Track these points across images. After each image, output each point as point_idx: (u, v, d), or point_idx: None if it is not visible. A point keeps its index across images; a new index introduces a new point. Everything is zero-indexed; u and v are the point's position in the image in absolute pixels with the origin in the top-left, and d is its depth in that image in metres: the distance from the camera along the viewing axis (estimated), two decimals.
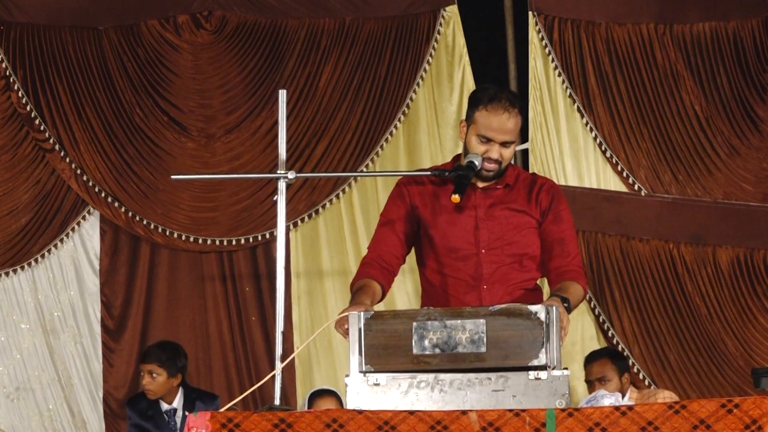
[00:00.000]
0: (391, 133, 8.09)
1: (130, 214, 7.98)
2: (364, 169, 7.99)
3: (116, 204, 7.97)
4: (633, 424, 3.46)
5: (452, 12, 8.13)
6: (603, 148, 7.99)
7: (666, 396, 6.70)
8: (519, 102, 4.56)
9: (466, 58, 8.08)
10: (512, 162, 4.66)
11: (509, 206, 4.56)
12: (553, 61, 8.04)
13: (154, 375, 6.86)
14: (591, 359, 6.95)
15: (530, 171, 7.81)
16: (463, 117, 4.59)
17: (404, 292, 7.90)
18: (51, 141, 7.96)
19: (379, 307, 4.83)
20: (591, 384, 6.84)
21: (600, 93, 8.01)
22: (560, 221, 4.57)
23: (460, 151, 4.63)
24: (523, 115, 8.09)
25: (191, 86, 8.10)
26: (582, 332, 7.90)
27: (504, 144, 4.50)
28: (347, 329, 3.93)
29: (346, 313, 4.00)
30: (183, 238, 8.01)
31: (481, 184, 4.57)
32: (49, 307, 8.03)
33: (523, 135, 8.06)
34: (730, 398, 3.48)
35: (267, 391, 4.74)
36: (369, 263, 4.55)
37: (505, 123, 4.49)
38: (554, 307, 3.73)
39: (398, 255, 4.59)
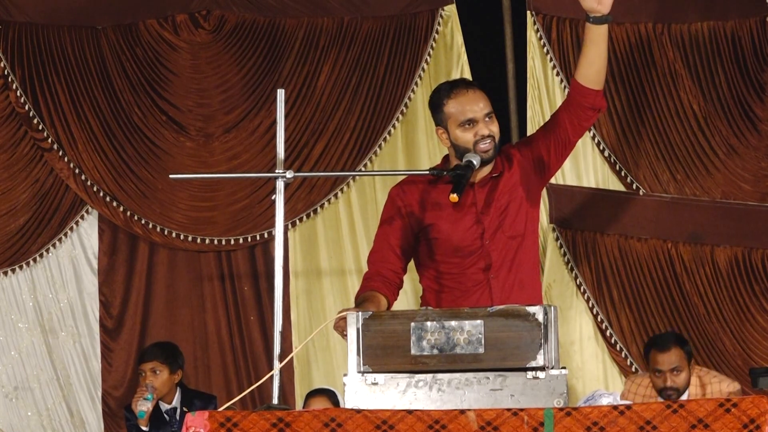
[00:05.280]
0: (389, 133, 8.09)
1: (128, 213, 7.98)
2: (363, 169, 7.99)
3: (114, 203, 7.97)
4: (631, 424, 3.46)
5: (450, 11, 8.12)
6: (601, 148, 7.99)
7: (728, 388, 6.65)
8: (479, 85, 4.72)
9: (465, 58, 8.07)
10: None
11: (502, 190, 4.60)
12: (551, 60, 8.04)
13: (157, 372, 6.89)
14: (661, 347, 6.70)
15: None
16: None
17: (402, 292, 7.86)
18: (49, 140, 7.96)
19: None
20: (661, 375, 6.67)
21: None
22: (540, 132, 4.75)
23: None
24: (522, 114, 8.17)
25: (190, 85, 8.10)
26: (580, 332, 7.90)
27: (487, 117, 4.54)
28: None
29: (342, 314, 4.03)
30: (181, 237, 8.01)
31: (475, 180, 4.59)
32: (48, 307, 8.03)
33: (522, 134, 8.07)
34: (728, 397, 3.49)
35: (266, 391, 4.74)
36: (370, 278, 4.63)
37: (476, 97, 4.59)
38: (552, 308, 3.74)
39: (397, 269, 4.64)
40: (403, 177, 4.83)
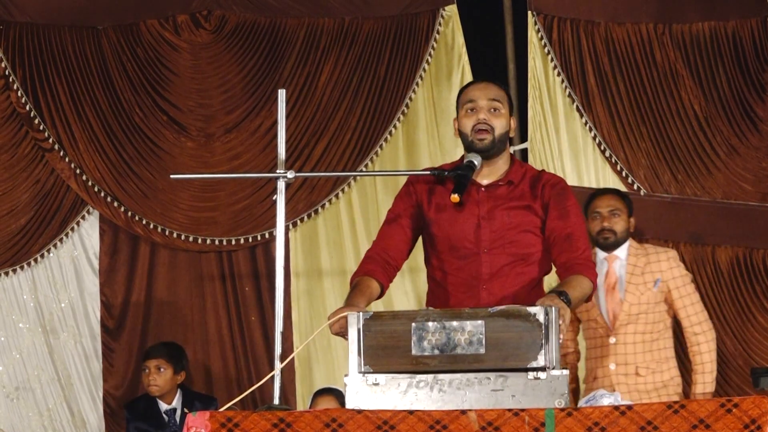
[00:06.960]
0: (390, 133, 8.09)
1: (129, 213, 7.98)
2: (364, 169, 7.99)
3: (115, 204, 7.98)
4: (632, 424, 3.46)
5: (451, 11, 8.13)
6: (602, 148, 7.99)
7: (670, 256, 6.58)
8: (502, 85, 4.66)
9: (466, 58, 8.08)
10: (519, 159, 4.68)
11: (512, 205, 4.54)
12: (552, 60, 8.04)
13: (162, 369, 6.93)
14: (600, 194, 6.70)
15: None
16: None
17: (403, 292, 7.89)
18: (50, 141, 7.97)
19: (378, 304, 4.84)
20: (599, 217, 6.55)
21: (599, 93, 8.00)
22: (567, 217, 4.51)
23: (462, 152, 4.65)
24: (522, 114, 8.17)
25: (190, 86, 8.10)
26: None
27: (492, 109, 4.52)
28: (344, 332, 3.95)
29: (339, 315, 4.02)
30: (182, 237, 8.01)
31: (485, 182, 4.56)
32: (49, 307, 8.03)
33: (522, 134, 8.07)
34: (730, 398, 3.49)
35: (267, 391, 4.74)
36: (372, 258, 4.56)
37: (486, 86, 4.60)
38: (553, 308, 3.73)
39: (403, 250, 4.60)
40: (406, 178, 4.82)
